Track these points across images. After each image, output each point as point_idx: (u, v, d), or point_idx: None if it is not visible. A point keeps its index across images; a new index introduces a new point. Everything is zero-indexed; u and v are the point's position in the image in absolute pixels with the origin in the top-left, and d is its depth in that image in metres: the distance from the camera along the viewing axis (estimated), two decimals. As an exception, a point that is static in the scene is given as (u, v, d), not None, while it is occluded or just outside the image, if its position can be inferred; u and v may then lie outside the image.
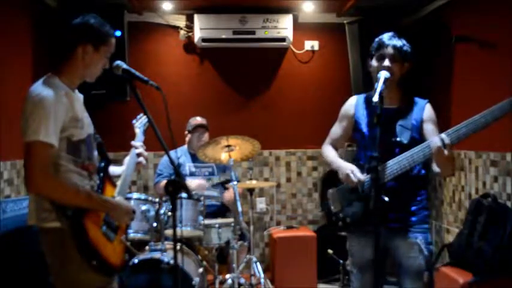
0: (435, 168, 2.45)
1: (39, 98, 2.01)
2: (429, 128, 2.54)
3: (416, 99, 2.62)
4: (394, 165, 2.43)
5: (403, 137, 2.48)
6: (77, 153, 2.14)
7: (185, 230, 3.51)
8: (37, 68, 4.01)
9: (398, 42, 2.52)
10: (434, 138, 2.31)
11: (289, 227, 5.00)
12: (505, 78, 3.49)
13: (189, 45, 5.11)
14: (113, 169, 2.45)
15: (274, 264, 4.68)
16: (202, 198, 3.69)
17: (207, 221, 3.69)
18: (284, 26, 4.87)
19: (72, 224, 2.04)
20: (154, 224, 3.45)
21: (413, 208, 2.55)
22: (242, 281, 3.68)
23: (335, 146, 2.81)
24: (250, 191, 3.89)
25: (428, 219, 2.61)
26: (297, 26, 5.04)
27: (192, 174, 4.29)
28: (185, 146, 4.45)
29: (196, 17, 4.83)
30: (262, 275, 3.81)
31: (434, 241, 4.64)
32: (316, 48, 5.25)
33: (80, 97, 2.28)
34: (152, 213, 3.44)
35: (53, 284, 2.11)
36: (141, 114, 2.80)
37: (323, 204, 2.78)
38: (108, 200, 2.23)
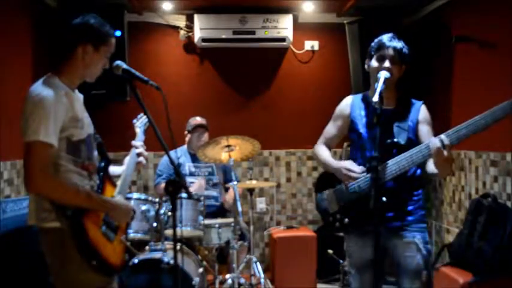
0: (432, 169, 2.45)
1: (39, 98, 2.01)
2: (424, 129, 2.55)
3: (413, 100, 2.63)
4: (393, 165, 2.43)
5: (400, 138, 2.48)
6: (77, 153, 2.14)
7: (185, 230, 3.51)
8: (37, 68, 4.02)
9: (399, 44, 2.53)
10: (434, 139, 2.31)
11: (289, 227, 5.00)
12: (505, 79, 3.49)
13: (189, 45, 5.11)
14: (113, 169, 2.45)
15: (274, 264, 4.68)
16: (202, 198, 3.69)
17: (207, 221, 3.69)
18: (284, 26, 4.88)
19: (71, 224, 2.04)
20: (154, 224, 3.45)
21: (410, 208, 2.56)
22: (242, 281, 3.68)
23: (328, 145, 2.81)
24: (250, 191, 3.89)
25: (425, 219, 2.61)
26: (297, 26, 5.05)
27: (191, 174, 4.31)
28: (185, 146, 4.45)
29: (196, 17, 4.83)
30: (262, 275, 3.81)
31: (434, 241, 4.65)
32: (316, 48, 5.25)
33: (80, 97, 2.28)
34: (152, 213, 3.44)
35: (53, 284, 2.11)
36: (142, 114, 2.80)
37: (318, 206, 2.78)
38: (108, 200, 2.23)
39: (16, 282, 2.80)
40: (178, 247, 2.93)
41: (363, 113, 2.66)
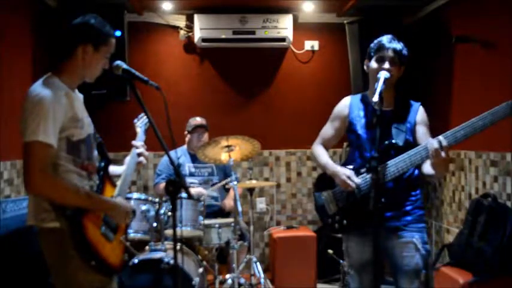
0: (428, 170, 2.45)
1: (38, 98, 2.00)
2: (421, 131, 2.55)
3: (411, 101, 2.63)
4: (392, 167, 2.44)
5: (399, 139, 2.48)
6: (77, 153, 2.14)
7: (185, 230, 3.51)
8: (37, 68, 4.02)
9: (398, 46, 2.54)
10: (432, 140, 2.31)
11: (289, 227, 5.00)
12: (505, 79, 3.49)
13: (189, 45, 5.11)
14: (114, 168, 2.44)
15: (274, 264, 4.68)
16: (202, 198, 3.69)
17: (207, 221, 3.70)
18: (284, 26, 4.87)
19: (71, 224, 2.04)
20: (154, 224, 3.44)
21: (408, 208, 2.56)
22: (242, 281, 3.68)
23: (326, 146, 2.81)
24: (250, 191, 3.89)
25: (424, 219, 2.61)
26: (297, 26, 5.04)
27: (191, 174, 4.31)
28: (185, 146, 4.45)
29: (196, 17, 4.83)
30: (262, 275, 3.81)
31: (434, 241, 4.64)
32: (316, 48, 5.25)
33: (80, 97, 2.28)
34: (152, 213, 3.44)
35: (52, 284, 2.11)
36: (143, 114, 2.80)
37: (316, 207, 2.78)
38: (108, 200, 2.23)
39: (16, 283, 2.80)
40: (178, 247, 2.92)
41: (361, 113, 2.65)
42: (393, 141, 2.47)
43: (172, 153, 2.28)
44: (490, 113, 2.23)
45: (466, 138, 2.27)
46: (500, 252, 3.19)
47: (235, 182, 3.67)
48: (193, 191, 4.10)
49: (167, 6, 4.81)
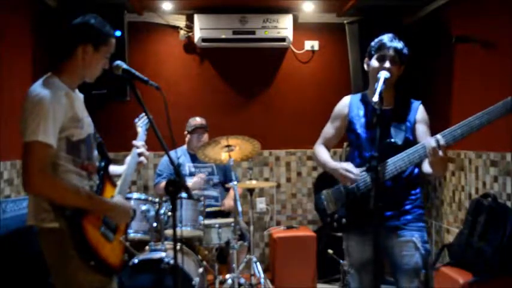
0: (426, 168, 2.45)
1: (38, 98, 2.00)
2: (421, 129, 2.55)
3: (411, 100, 2.63)
4: (390, 165, 2.44)
5: (398, 138, 2.48)
6: (77, 153, 2.14)
7: (185, 230, 3.52)
8: (37, 68, 4.02)
9: (399, 45, 2.54)
10: (429, 139, 2.31)
11: (289, 227, 5.00)
12: (505, 79, 3.49)
13: (189, 45, 5.11)
14: (114, 168, 2.44)
15: (274, 264, 4.68)
16: (202, 198, 3.69)
17: (207, 221, 3.70)
18: (284, 26, 4.87)
19: (70, 224, 2.03)
20: (154, 224, 3.44)
21: (407, 207, 2.56)
22: (242, 281, 3.68)
23: (327, 146, 2.81)
24: (250, 191, 3.89)
25: (423, 218, 2.61)
26: (297, 26, 5.04)
27: (191, 174, 4.31)
28: (185, 146, 4.45)
29: (196, 17, 4.83)
30: (262, 275, 3.81)
31: (434, 241, 4.64)
32: (316, 48, 5.25)
33: (80, 97, 2.28)
34: (152, 213, 3.44)
35: (52, 284, 2.11)
36: (143, 114, 2.80)
37: (316, 206, 2.78)
38: (107, 200, 2.23)
39: (16, 283, 2.80)
40: (178, 247, 2.92)
41: (361, 113, 2.65)
42: (392, 140, 2.47)
43: (172, 153, 2.29)
44: (486, 112, 2.23)
45: (463, 137, 2.28)
46: (500, 252, 3.19)
47: (235, 182, 3.67)
48: (191, 181, 4.09)
49: (167, 6, 4.81)
